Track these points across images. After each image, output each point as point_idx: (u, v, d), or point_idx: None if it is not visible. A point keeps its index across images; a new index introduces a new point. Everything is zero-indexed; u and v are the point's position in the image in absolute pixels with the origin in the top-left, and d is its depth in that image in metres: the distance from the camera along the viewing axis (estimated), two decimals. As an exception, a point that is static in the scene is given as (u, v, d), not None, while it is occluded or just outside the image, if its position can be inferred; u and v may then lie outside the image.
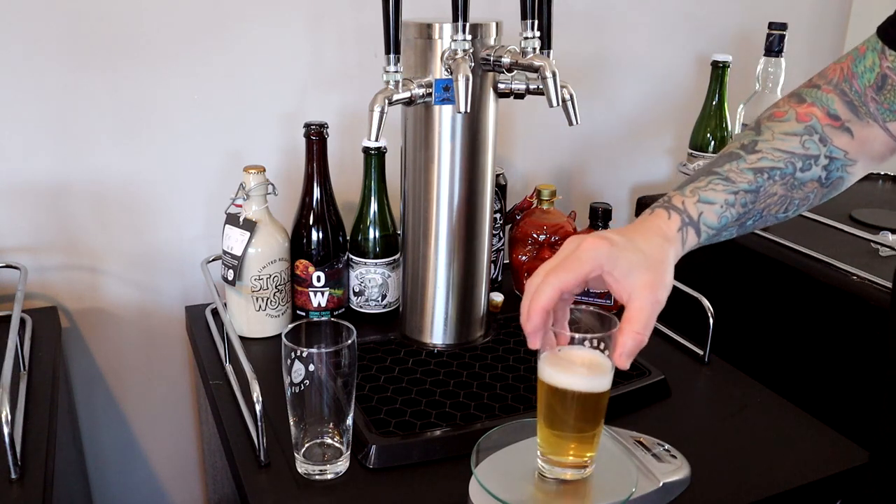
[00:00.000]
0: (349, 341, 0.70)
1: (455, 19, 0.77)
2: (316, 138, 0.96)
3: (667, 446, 0.74)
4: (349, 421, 0.72)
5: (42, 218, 1.03)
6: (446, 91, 0.83)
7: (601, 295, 1.05)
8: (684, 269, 1.13)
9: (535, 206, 1.10)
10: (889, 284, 0.94)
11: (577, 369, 0.62)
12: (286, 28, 1.08)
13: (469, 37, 0.79)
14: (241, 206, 0.95)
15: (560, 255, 0.60)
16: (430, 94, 0.83)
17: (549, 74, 0.76)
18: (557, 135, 1.32)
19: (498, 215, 1.09)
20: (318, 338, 0.73)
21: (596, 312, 0.66)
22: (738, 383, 0.92)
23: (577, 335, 0.63)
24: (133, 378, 1.16)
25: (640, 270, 0.58)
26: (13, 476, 0.70)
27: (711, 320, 0.93)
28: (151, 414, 1.19)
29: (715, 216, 0.64)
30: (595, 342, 0.63)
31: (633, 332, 0.57)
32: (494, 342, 0.97)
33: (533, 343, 0.60)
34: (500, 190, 1.09)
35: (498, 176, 1.08)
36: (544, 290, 0.58)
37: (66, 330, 1.09)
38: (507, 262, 1.14)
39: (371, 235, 1.00)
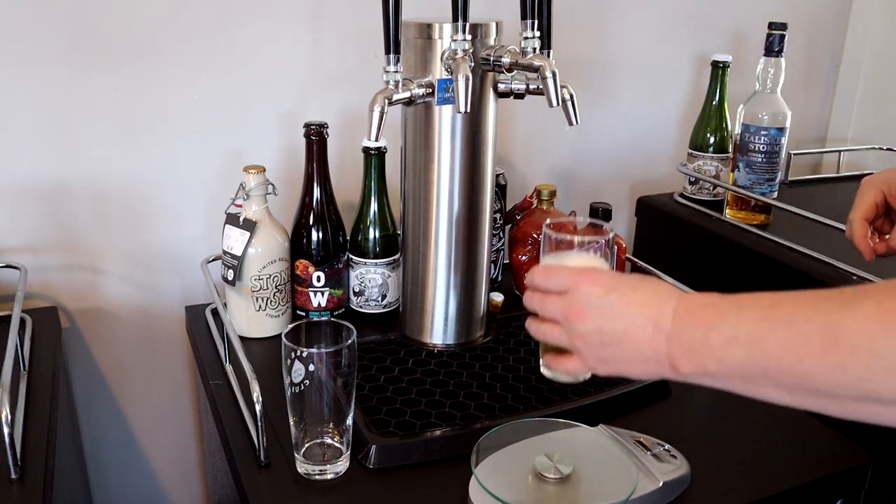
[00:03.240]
0: (349, 341, 0.70)
1: (455, 19, 0.77)
2: (316, 138, 0.96)
3: (667, 446, 0.74)
4: (349, 421, 0.72)
5: (42, 218, 1.03)
6: (448, 91, 0.83)
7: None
8: (684, 268, 1.13)
9: (535, 206, 1.10)
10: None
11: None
12: (286, 28, 1.08)
13: (469, 37, 0.79)
14: (241, 206, 0.95)
15: None
16: (430, 94, 0.83)
17: (549, 74, 0.76)
18: (557, 135, 1.32)
19: (498, 215, 1.09)
20: (318, 338, 0.73)
21: (591, 223, 0.68)
22: (738, 383, 0.91)
23: (576, 237, 0.65)
24: (133, 378, 1.16)
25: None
26: (13, 476, 0.70)
27: (711, 320, 0.92)
28: (151, 414, 1.19)
29: None
30: (593, 249, 0.65)
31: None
32: (494, 342, 0.97)
33: None
34: (500, 190, 1.09)
35: (498, 176, 1.08)
36: None
37: (66, 330, 1.09)
38: (507, 262, 1.14)
39: (371, 235, 1.00)
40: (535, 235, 1.07)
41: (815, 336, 0.47)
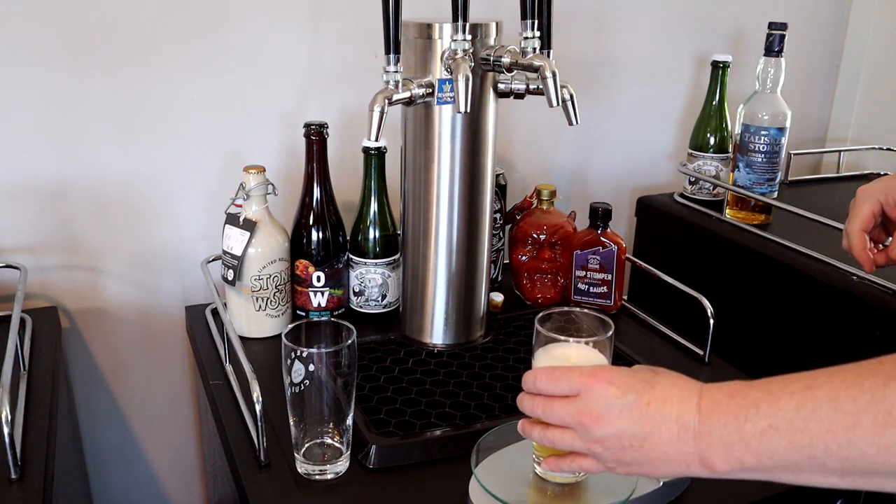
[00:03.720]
0: (349, 341, 0.70)
1: (455, 19, 0.77)
2: (316, 138, 0.96)
3: (667, 446, 0.74)
4: (349, 421, 0.72)
5: (42, 218, 1.03)
6: (448, 91, 0.83)
7: (602, 295, 1.05)
8: (684, 268, 1.13)
9: (535, 206, 1.11)
10: (889, 285, 0.94)
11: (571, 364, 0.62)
12: (286, 28, 1.08)
13: (469, 37, 0.79)
14: (241, 206, 0.95)
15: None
16: (430, 94, 0.83)
17: (549, 74, 0.76)
18: (557, 135, 1.32)
19: (498, 215, 1.09)
20: (318, 338, 0.73)
21: (595, 315, 0.67)
22: (738, 383, 0.91)
23: (572, 339, 0.64)
24: (133, 378, 1.16)
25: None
26: (13, 476, 0.70)
27: (711, 320, 0.93)
28: (151, 414, 1.19)
29: None
30: (591, 345, 0.64)
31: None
32: (494, 342, 0.97)
33: None
34: (500, 190, 1.09)
35: (498, 176, 1.08)
36: None
37: (66, 330, 1.09)
38: (507, 262, 1.14)
39: (371, 235, 1.00)
40: (534, 235, 1.07)
41: (864, 415, 0.45)
